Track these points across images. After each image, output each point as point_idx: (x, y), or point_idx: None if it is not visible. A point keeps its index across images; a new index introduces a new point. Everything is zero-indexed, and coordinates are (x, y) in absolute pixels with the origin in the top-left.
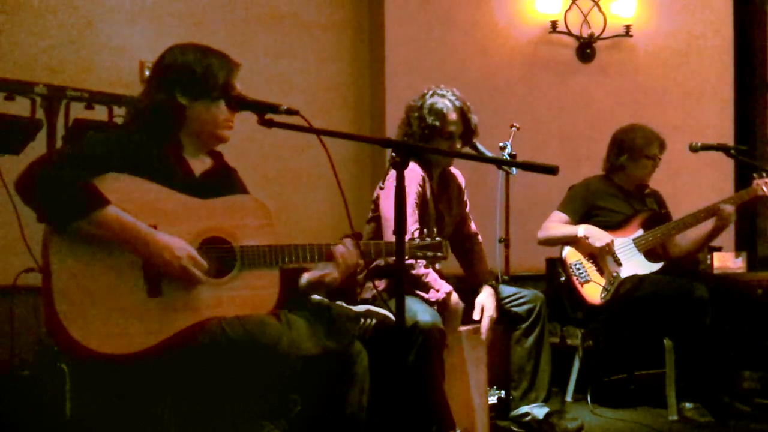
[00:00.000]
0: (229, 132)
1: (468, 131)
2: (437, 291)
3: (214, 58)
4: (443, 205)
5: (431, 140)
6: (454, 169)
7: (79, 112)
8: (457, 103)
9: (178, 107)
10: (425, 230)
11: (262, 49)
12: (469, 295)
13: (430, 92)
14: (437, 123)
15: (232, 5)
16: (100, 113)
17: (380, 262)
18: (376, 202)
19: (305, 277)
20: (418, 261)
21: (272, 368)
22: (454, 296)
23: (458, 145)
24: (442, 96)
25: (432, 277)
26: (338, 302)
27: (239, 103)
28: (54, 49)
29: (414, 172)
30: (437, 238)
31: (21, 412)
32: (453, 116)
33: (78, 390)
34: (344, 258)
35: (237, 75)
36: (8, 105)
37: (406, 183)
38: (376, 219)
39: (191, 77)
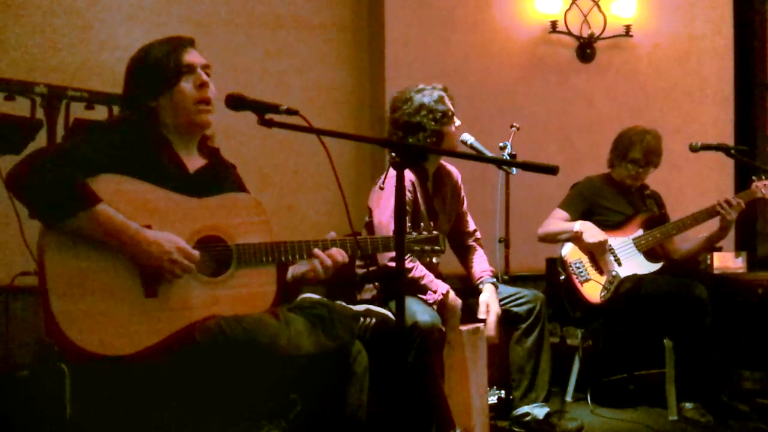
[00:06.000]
0: (210, 116)
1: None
2: (434, 292)
3: (158, 47)
4: (438, 203)
5: (446, 127)
6: (449, 166)
7: (79, 112)
8: (439, 86)
9: (149, 110)
10: (422, 224)
11: (262, 49)
12: (469, 295)
13: (407, 95)
14: (443, 107)
15: (232, 5)
16: (100, 113)
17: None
18: (371, 205)
19: (290, 271)
20: (416, 264)
21: (271, 367)
22: (452, 294)
23: (457, 123)
24: (421, 90)
25: (428, 278)
26: (338, 301)
27: (239, 103)
28: (54, 49)
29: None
30: (434, 232)
31: (20, 412)
32: (446, 98)
33: (78, 390)
34: (322, 259)
35: (190, 49)
36: (8, 105)
37: (392, 189)
38: (372, 223)
39: (144, 77)
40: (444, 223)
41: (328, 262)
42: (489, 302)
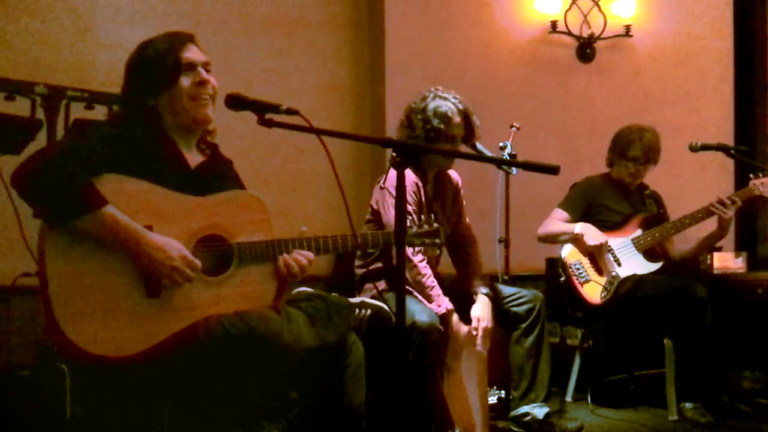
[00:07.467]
0: (209, 111)
1: (470, 134)
2: (438, 306)
3: (157, 44)
4: (437, 205)
5: (434, 143)
6: (451, 170)
7: (79, 112)
8: (461, 106)
9: (149, 109)
10: (422, 217)
11: (262, 49)
12: (464, 298)
13: (432, 95)
14: (442, 126)
15: (232, 5)
16: (100, 113)
17: (379, 264)
18: (373, 204)
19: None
20: (429, 273)
21: (275, 362)
22: (455, 318)
23: (458, 147)
24: (445, 99)
25: (436, 291)
26: (333, 294)
27: (239, 103)
28: (54, 49)
29: (407, 179)
30: (435, 225)
31: (21, 412)
32: (457, 119)
33: (78, 390)
34: (284, 267)
35: (189, 45)
36: (8, 105)
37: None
38: (373, 222)
39: (143, 75)
40: (444, 226)
41: (296, 269)
42: (480, 316)
